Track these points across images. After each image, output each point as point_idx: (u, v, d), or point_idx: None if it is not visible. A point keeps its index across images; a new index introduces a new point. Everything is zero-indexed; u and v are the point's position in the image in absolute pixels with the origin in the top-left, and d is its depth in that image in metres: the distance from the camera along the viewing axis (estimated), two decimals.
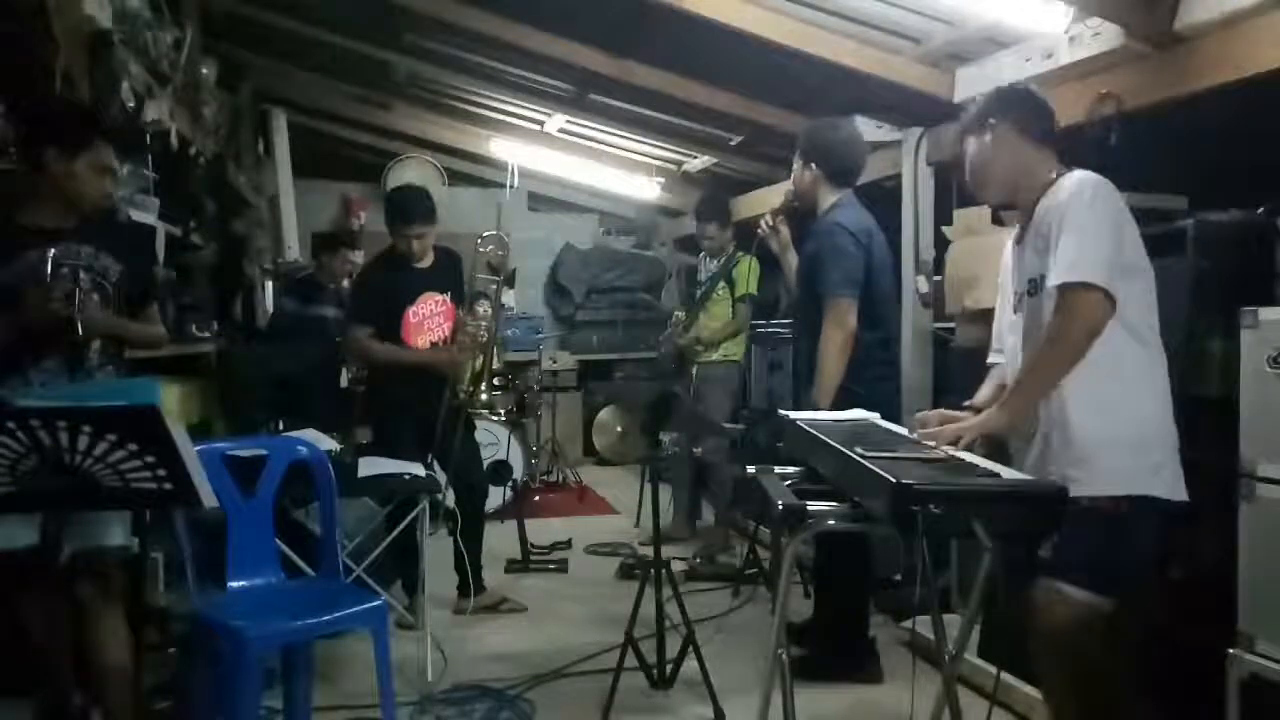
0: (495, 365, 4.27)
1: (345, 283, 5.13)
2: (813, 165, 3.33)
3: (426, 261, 3.96)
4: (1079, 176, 2.12)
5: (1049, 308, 2.09)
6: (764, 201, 6.43)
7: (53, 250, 2.43)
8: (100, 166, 2.52)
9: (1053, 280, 2.03)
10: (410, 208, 3.88)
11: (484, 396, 4.07)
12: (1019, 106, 2.25)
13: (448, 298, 3.97)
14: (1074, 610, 2.01)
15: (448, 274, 4.00)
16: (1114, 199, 2.08)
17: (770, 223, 3.50)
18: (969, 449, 2.12)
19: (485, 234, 4.25)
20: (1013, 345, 2.30)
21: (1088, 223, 2.02)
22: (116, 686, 2.51)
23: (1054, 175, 2.18)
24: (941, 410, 2.38)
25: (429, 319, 3.94)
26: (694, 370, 5.08)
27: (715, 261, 5.18)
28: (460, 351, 3.94)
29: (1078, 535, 1.95)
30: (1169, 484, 2.06)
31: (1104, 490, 2.02)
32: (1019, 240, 2.29)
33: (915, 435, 2.28)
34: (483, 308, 4.28)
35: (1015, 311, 2.28)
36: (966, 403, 2.38)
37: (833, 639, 3.38)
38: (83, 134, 2.50)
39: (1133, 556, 2.04)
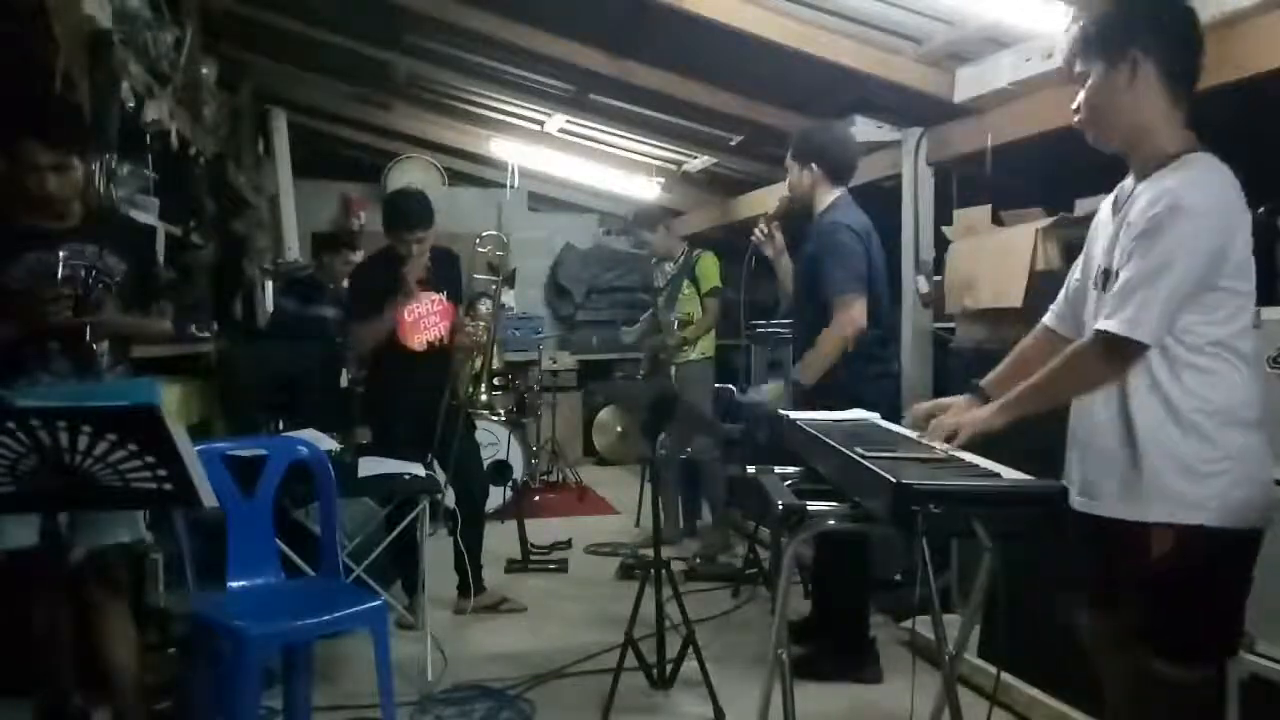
0: (495, 365, 4.28)
1: (345, 283, 5.13)
2: (812, 166, 3.35)
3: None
4: (1194, 176, 1.80)
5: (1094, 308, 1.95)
6: (763, 202, 6.43)
7: (63, 253, 2.44)
8: (29, 164, 2.42)
9: (1101, 324, 1.84)
10: (410, 212, 3.87)
11: (484, 397, 4.08)
12: (1172, 43, 1.85)
13: (444, 297, 3.98)
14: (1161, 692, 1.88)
15: (444, 273, 4.00)
16: (1209, 207, 1.78)
17: (765, 229, 3.49)
18: (965, 447, 2.10)
19: (484, 234, 4.25)
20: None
21: (1158, 254, 1.77)
22: (126, 685, 2.51)
23: (1178, 148, 1.85)
24: (936, 401, 2.33)
25: (425, 317, 3.94)
26: (673, 370, 5.09)
27: (671, 264, 5.22)
28: (460, 351, 3.95)
29: (1127, 567, 1.87)
30: (1223, 512, 1.81)
31: (1153, 517, 1.83)
32: (1116, 205, 1.98)
33: (912, 431, 2.28)
34: (484, 306, 4.29)
35: (1094, 287, 2.01)
36: (976, 381, 2.31)
37: (833, 638, 3.38)
38: (7, 131, 2.44)
39: (1190, 592, 1.84)
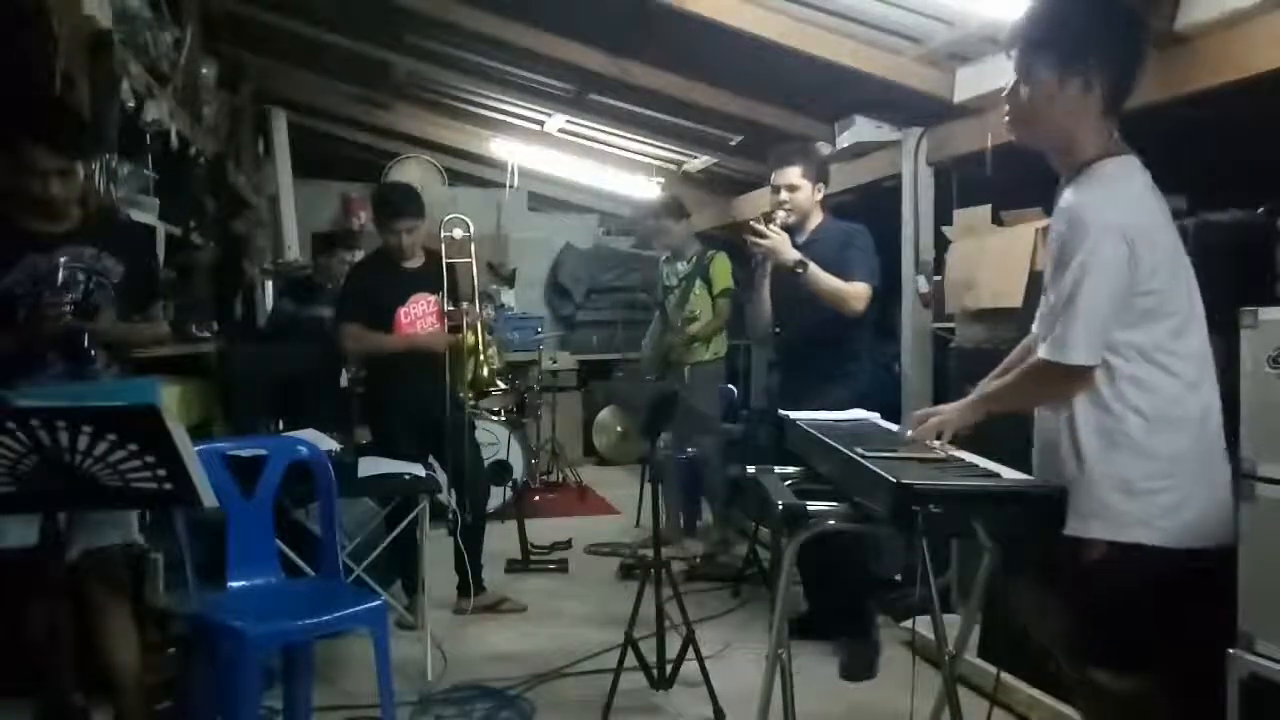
0: (495, 365, 4.25)
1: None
2: (821, 186, 3.53)
3: (416, 262, 3.96)
4: (1089, 192, 1.82)
5: (1040, 314, 2.03)
6: (765, 202, 6.41)
7: (63, 258, 2.44)
8: (33, 169, 2.40)
9: (1041, 352, 1.86)
10: (398, 202, 3.91)
11: (485, 372, 4.02)
12: (1126, 62, 1.85)
13: (437, 299, 3.97)
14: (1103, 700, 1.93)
15: (438, 275, 3.99)
16: (1118, 210, 1.79)
17: (771, 235, 3.41)
18: (954, 442, 2.12)
19: (447, 217, 4.19)
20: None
21: (1083, 279, 1.76)
22: (127, 685, 2.51)
23: (1097, 153, 1.86)
24: (936, 407, 2.37)
25: (420, 319, 3.94)
26: (685, 371, 5.07)
27: (683, 262, 5.20)
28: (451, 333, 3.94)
29: (1066, 580, 1.89)
30: (1171, 531, 1.81)
31: (1088, 532, 1.83)
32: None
33: (908, 434, 2.29)
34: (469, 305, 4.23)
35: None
36: (970, 388, 2.34)
37: (834, 634, 3.42)
38: (8, 134, 2.42)
39: (1125, 610, 1.86)
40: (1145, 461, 1.82)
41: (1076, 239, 1.78)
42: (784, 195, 3.48)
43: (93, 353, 2.48)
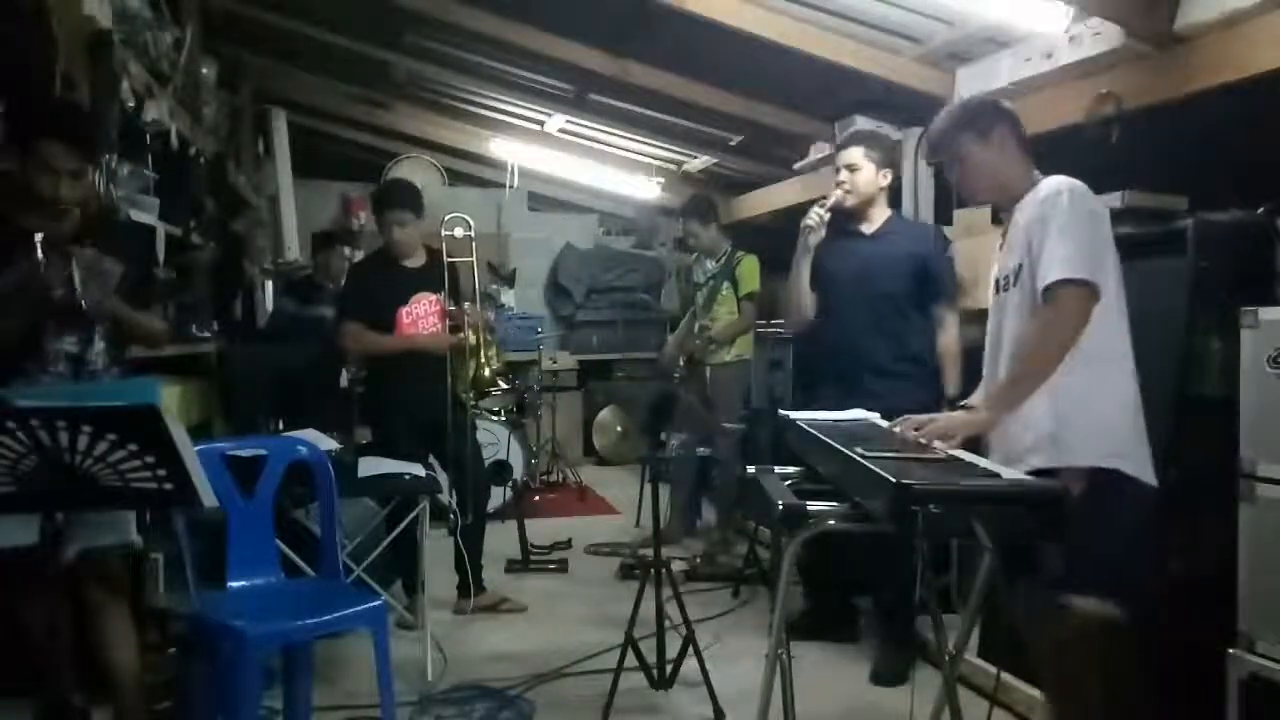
0: (495, 365, 4.24)
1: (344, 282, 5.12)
2: (886, 173, 3.42)
3: (418, 261, 3.96)
4: (1055, 180, 2.21)
5: (1013, 303, 2.21)
6: (765, 202, 6.43)
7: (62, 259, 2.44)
8: (47, 166, 2.41)
9: (1044, 280, 2.09)
10: (391, 194, 3.93)
11: (486, 372, 4.00)
12: (1011, 116, 2.36)
13: (439, 298, 3.97)
14: (1073, 623, 2.02)
15: (440, 275, 3.98)
16: (1089, 198, 2.17)
17: (823, 218, 3.33)
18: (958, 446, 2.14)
19: (446, 216, 4.17)
20: (988, 346, 2.37)
21: (1069, 222, 2.10)
22: (126, 685, 2.51)
23: (1032, 180, 2.28)
24: (929, 415, 2.39)
25: (423, 319, 3.94)
26: (707, 372, 5.05)
27: (714, 261, 5.17)
28: (452, 334, 3.93)
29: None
30: (1136, 465, 2.09)
31: (1067, 462, 2.06)
32: (1001, 245, 2.37)
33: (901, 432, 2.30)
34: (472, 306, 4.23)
35: (1001, 290, 2.34)
36: (961, 401, 2.39)
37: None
38: (29, 132, 2.43)
39: (1109, 534, 2.04)
40: (1098, 410, 2.10)
41: (1059, 197, 2.14)
42: (843, 175, 3.37)
43: (87, 312, 2.44)
